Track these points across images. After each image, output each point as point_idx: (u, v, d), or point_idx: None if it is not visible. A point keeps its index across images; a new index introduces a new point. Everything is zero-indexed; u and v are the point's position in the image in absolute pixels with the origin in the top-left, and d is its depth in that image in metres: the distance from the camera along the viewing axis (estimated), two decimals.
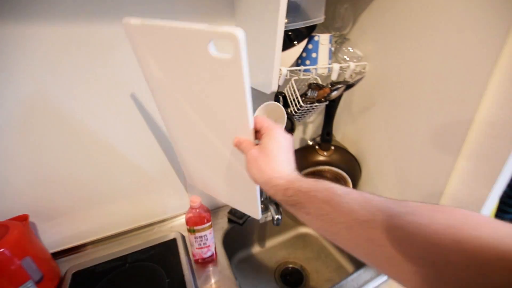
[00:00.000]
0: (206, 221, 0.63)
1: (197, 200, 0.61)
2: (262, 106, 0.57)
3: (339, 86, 0.53)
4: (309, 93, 0.55)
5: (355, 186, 0.74)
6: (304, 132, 0.93)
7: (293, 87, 0.59)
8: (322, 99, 0.57)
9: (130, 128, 0.67)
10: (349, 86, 0.54)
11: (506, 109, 0.43)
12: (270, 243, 0.92)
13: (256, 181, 0.38)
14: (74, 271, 0.64)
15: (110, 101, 0.61)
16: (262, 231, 0.88)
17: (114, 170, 0.69)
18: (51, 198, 0.65)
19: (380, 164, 0.70)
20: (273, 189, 0.35)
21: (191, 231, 0.63)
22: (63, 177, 0.64)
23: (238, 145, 0.40)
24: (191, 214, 0.62)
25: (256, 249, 0.90)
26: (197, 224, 0.62)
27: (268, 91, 0.57)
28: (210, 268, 0.68)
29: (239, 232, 0.83)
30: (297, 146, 0.87)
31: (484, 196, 0.48)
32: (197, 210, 0.62)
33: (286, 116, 0.54)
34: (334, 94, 0.55)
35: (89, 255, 0.70)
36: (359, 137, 0.75)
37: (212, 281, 0.64)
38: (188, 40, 0.33)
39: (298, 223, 0.98)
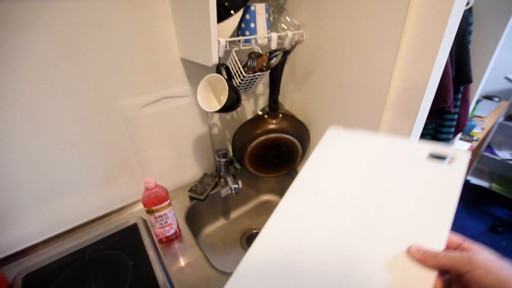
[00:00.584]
0: (163, 200, 0.63)
1: (152, 181, 0.61)
2: (204, 79, 0.57)
3: (276, 53, 0.55)
4: (249, 62, 0.56)
5: (304, 150, 0.79)
6: (255, 104, 0.95)
7: (234, 59, 0.60)
8: (264, 68, 0.59)
9: (72, 114, 0.62)
10: (286, 52, 0.56)
11: (416, 64, 0.50)
12: (234, 214, 0.96)
13: None
14: (24, 274, 0.61)
15: (51, 81, 0.55)
16: (225, 204, 0.91)
17: (56, 163, 0.64)
18: None
19: (325, 126, 0.76)
20: None
21: (150, 212, 0.63)
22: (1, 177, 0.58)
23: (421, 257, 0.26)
24: (147, 196, 0.62)
25: (220, 222, 0.94)
26: (155, 204, 0.62)
27: (209, 64, 0.57)
28: (176, 245, 0.69)
29: (202, 208, 0.85)
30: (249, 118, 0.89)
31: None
32: (153, 191, 0.62)
33: (227, 87, 0.54)
34: (273, 61, 0.57)
35: (42, 255, 0.66)
36: (304, 103, 0.80)
37: (179, 257, 0.66)
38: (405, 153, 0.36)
39: (258, 192, 1.03)
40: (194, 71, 0.76)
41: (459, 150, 0.34)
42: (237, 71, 0.61)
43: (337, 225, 0.31)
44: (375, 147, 0.39)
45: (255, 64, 0.57)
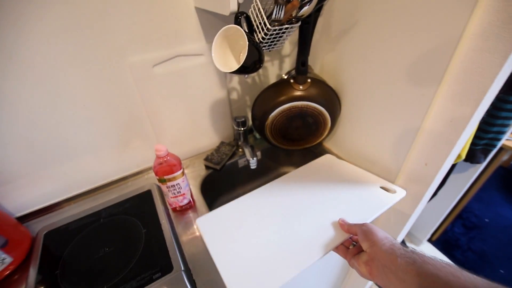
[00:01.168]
0: (176, 169, 0.59)
1: (163, 149, 0.56)
2: (219, 32, 0.47)
3: None
4: (276, 12, 0.45)
5: (334, 123, 0.69)
6: (280, 67, 0.84)
7: (257, 6, 0.49)
8: (293, 19, 0.47)
9: (79, 73, 0.57)
10: None
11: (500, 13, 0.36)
12: (251, 185, 0.92)
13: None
14: (45, 231, 0.62)
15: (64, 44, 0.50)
16: (242, 174, 0.86)
17: (66, 124, 0.61)
18: (6, 160, 0.58)
19: (362, 97, 0.64)
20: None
21: (161, 181, 0.59)
22: (16, 137, 0.57)
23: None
24: (158, 164, 0.57)
25: (237, 192, 0.90)
26: (166, 173, 0.58)
27: (226, 12, 0.46)
28: (189, 214, 0.67)
29: (218, 178, 0.81)
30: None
31: (467, 115, 0.44)
32: (165, 159, 0.58)
33: (247, 42, 0.45)
34: (306, 9, 0.45)
35: (61, 214, 0.68)
36: (339, 67, 0.68)
37: (192, 227, 0.63)
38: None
39: (279, 163, 0.97)
40: (211, 25, 0.66)
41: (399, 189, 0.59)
42: (260, 23, 0.50)
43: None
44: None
45: (283, 13, 0.45)
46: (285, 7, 0.44)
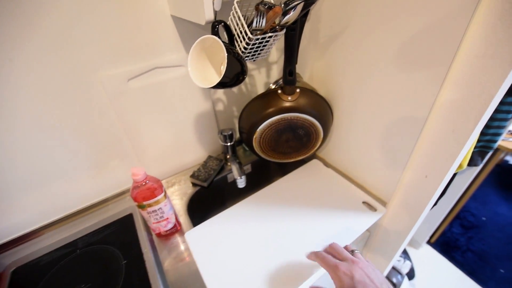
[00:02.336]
0: (157, 193, 0.54)
1: (139, 172, 0.51)
2: (195, 44, 0.43)
3: (295, 2, 0.39)
4: (257, 19, 0.41)
5: (326, 133, 0.65)
6: (268, 74, 0.80)
7: (237, 14, 0.44)
8: (276, 26, 0.43)
9: (51, 96, 0.51)
10: (308, 2, 0.39)
11: None
12: None
13: None
14: (13, 267, 0.56)
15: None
16: (232, 190, 0.81)
17: (31, 148, 0.56)
18: None
19: (354, 105, 0.60)
20: None
21: (141, 207, 0.54)
22: None
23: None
24: (136, 189, 0.52)
25: None
26: (146, 199, 0.53)
27: (201, 21, 0.42)
28: (176, 239, 0.61)
29: (206, 195, 0.76)
30: (260, 92, 0.75)
31: (470, 125, 0.40)
32: (143, 183, 0.52)
33: (226, 54, 0.40)
34: (290, 16, 0.40)
35: (33, 245, 0.61)
36: (329, 74, 0.64)
37: (178, 255, 0.58)
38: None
39: (271, 175, 0.92)
40: (190, 34, 0.61)
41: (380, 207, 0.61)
42: (241, 31, 0.45)
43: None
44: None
45: (265, 21, 0.41)
46: (266, 14, 0.39)
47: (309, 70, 0.69)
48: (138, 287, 0.50)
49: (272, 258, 0.51)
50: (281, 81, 0.65)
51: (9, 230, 0.61)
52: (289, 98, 0.58)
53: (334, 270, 0.40)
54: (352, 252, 0.45)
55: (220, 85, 0.44)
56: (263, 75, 0.78)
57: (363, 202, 0.62)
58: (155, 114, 0.66)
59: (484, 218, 1.59)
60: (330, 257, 0.43)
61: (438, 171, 0.50)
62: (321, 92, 0.65)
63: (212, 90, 0.72)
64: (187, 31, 0.60)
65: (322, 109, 0.63)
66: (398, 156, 0.55)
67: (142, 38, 0.56)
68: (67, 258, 0.57)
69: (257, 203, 0.64)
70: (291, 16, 0.41)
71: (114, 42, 0.54)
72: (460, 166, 0.52)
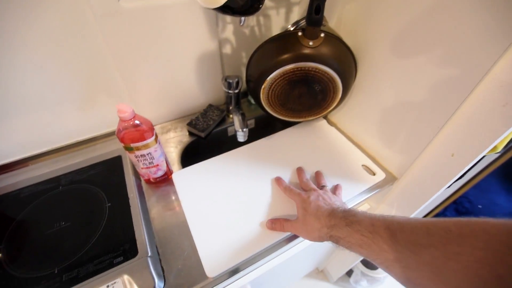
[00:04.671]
0: (147, 136, 0.48)
1: (126, 110, 0.44)
2: None
3: None
4: None
5: (345, 93, 0.57)
6: (286, 17, 0.68)
7: None
8: None
9: (30, 12, 0.41)
10: None
11: None
12: None
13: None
14: None
15: None
16: (232, 143, 0.75)
17: (14, 72, 0.48)
18: None
19: (384, 65, 0.50)
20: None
21: (128, 149, 0.48)
22: None
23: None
24: (122, 129, 0.46)
25: None
26: (134, 141, 0.47)
27: None
28: (165, 188, 0.57)
29: (203, 146, 0.70)
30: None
31: None
32: (131, 123, 0.46)
33: None
34: None
35: (13, 177, 0.57)
36: (361, 21, 0.53)
37: (168, 201, 0.54)
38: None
39: (275, 131, 0.86)
40: None
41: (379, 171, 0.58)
42: None
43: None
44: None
45: None
46: None
47: (337, 14, 0.57)
48: (120, 232, 0.47)
49: (257, 211, 0.49)
50: (302, 23, 0.54)
51: None
52: (311, 43, 0.49)
53: (295, 198, 0.47)
54: (322, 187, 0.50)
55: (229, 8, 0.35)
56: (281, 17, 0.67)
57: (362, 165, 0.59)
58: (152, 46, 0.57)
59: (480, 206, 1.57)
60: (294, 189, 0.49)
61: (468, 150, 0.43)
62: (348, 42, 0.55)
63: (220, 26, 0.62)
64: None
65: (346, 63, 0.53)
66: (424, 131, 0.48)
67: None
68: (48, 194, 0.53)
69: (252, 153, 0.61)
70: None
71: None
72: (495, 148, 0.45)
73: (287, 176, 0.56)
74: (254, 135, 0.79)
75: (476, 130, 0.41)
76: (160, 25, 0.54)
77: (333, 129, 0.69)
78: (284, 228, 0.45)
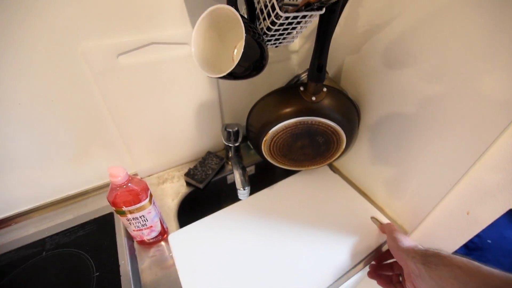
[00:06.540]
0: (141, 198, 0.44)
1: (119, 174, 0.41)
2: (204, 14, 0.32)
3: None
4: None
5: (349, 143, 0.55)
6: (286, 66, 0.68)
7: None
8: (315, 4, 0.32)
9: (18, 67, 0.40)
10: None
11: None
12: None
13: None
14: None
15: None
16: (231, 193, 0.72)
17: (6, 129, 0.46)
18: None
19: (389, 116, 0.49)
20: None
21: (119, 212, 0.44)
22: None
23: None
24: (114, 191, 0.42)
25: None
26: (127, 204, 0.44)
27: None
28: (161, 248, 0.53)
29: (201, 197, 0.67)
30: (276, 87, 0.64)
31: None
32: (124, 186, 0.42)
33: (244, 32, 0.29)
34: None
35: None
36: (363, 74, 0.52)
37: (160, 267, 0.49)
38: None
39: (276, 177, 0.83)
40: (200, 5, 0.50)
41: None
42: (266, 6, 0.34)
43: None
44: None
45: None
46: None
47: (337, 65, 0.57)
48: None
49: (260, 275, 0.45)
50: (303, 76, 0.54)
51: None
52: (313, 98, 0.48)
53: None
54: None
55: (232, 75, 0.33)
56: (281, 67, 0.67)
57: (371, 217, 0.55)
58: (149, 98, 0.55)
59: (489, 241, 1.51)
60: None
61: (486, 208, 0.40)
62: (350, 94, 0.54)
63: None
64: (197, 1, 0.49)
65: (349, 116, 0.52)
66: (433, 186, 0.45)
67: (140, 4, 0.45)
68: (30, 261, 0.48)
69: (253, 206, 0.58)
70: None
71: (104, 5, 0.42)
72: None
73: (294, 231, 0.52)
74: (254, 182, 0.76)
75: (496, 185, 0.38)
76: (158, 78, 0.53)
77: (337, 176, 0.66)
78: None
